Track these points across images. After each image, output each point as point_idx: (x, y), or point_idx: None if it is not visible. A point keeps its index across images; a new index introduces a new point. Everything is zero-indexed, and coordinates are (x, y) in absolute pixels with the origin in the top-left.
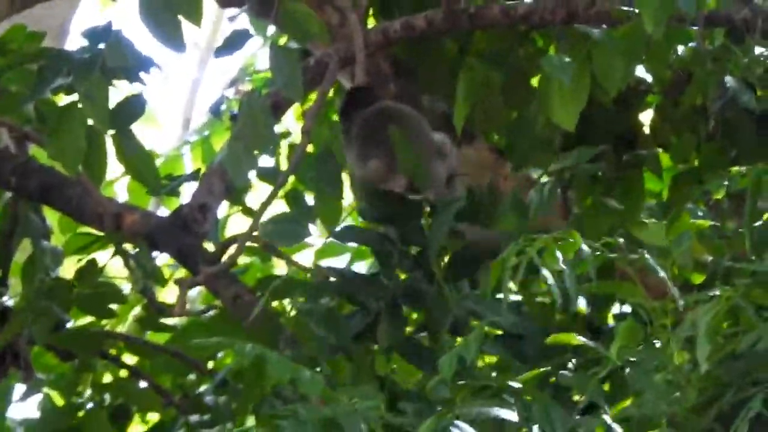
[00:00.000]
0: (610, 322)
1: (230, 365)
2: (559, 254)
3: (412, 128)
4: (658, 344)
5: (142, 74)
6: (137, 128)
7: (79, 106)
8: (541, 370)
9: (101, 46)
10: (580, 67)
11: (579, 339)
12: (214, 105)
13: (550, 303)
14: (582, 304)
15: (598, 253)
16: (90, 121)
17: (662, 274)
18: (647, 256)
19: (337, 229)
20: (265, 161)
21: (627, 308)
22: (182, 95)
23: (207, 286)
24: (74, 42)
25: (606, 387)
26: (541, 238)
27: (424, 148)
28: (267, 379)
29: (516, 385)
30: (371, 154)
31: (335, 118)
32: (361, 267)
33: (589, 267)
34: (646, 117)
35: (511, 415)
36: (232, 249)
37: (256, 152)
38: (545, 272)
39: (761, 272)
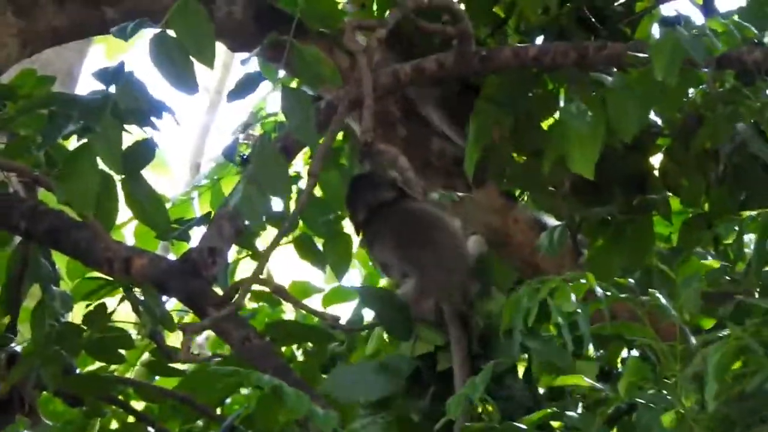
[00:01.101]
0: (619, 366)
1: (239, 410)
2: (571, 294)
3: (448, 245)
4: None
5: (153, 119)
6: (147, 173)
7: (91, 147)
8: (547, 411)
9: (112, 88)
10: (595, 113)
11: (587, 381)
12: (227, 149)
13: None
14: (590, 347)
15: (609, 294)
16: (101, 165)
17: (673, 313)
18: (658, 296)
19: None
20: (274, 205)
21: (635, 353)
22: (191, 140)
23: (215, 330)
24: (83, 87)
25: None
26: (553, 279)
27: (461, 263)
28: (276, 422)
29: (522, 426)
30: (409, 270)
31: (344, 162)
32: (368, 314)
33: (603, 307)
34: (656, 160)
35: None
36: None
37: (270, 196)
38: (557, 313)
39: None
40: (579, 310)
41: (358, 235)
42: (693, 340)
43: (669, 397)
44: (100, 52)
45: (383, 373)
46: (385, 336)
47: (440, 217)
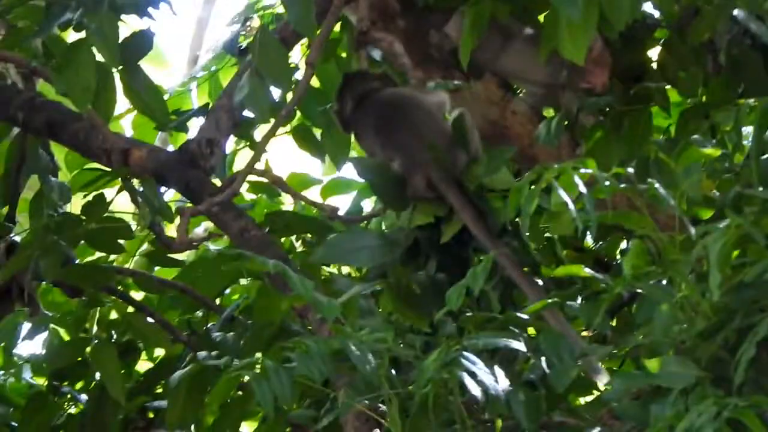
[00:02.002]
0: (618, 258)
1: (238, 300)
2: (577, 179)
3: (425, 121)
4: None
5: (150, 9)
6: (145, 66)
7: (88, 41)
8: (548, 301)
9: None
10: (588, 1)
11: (587, 271)
12: (227, 41)
13: (557, 238)
14: (588, 239)
15: (609, 183)
16: (99, 57)
17: (672, 202)
18: (657, 186)
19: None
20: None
21: None
22: (189, 34)
23: (213, 219)
24: None
25: (613, 323)
26: (557, 166)
27: (441, 137)
28: (275, 313)
29: (523, 316)
30: (392, 155)
31: (342, 54)
32: (367, 204)
33: (605, 195)
34: (654, 53)
35: (518, 345)
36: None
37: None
38: (564, 195)
39: None
40: (585, 194)
41: (344, 129)
42: (692, 230)
43: (669, 287)
44: None
45: (381, 241)
46: (383, 226)
47: (415, 97)
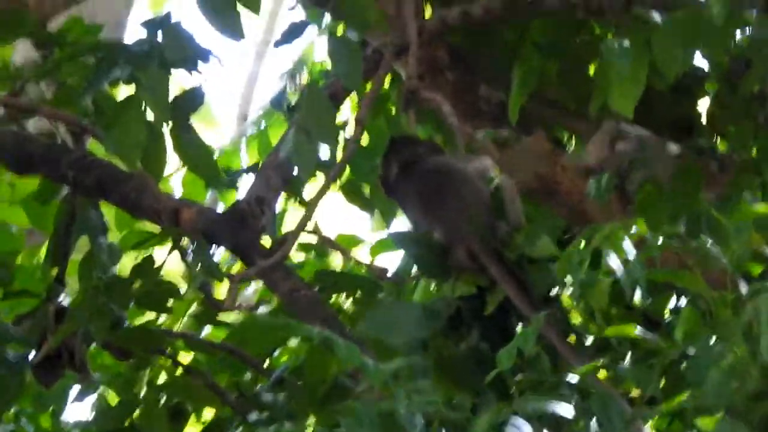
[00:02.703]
0: (667, 316)
1: (287, 362)
2: (627, 241)
3: (467, 192)
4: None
5: (200, 66)
6: (195, 124)
7: (138, 97)
8: (599, 362)
9: (159, 37)
10: (638, 52)
11: (637, 331)
12: (276, 97)
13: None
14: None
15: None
16: (149, 115)
17: (724, 260)
18: (709, 243)
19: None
20: (322, 153)
21: (683, 302)
22: (239, 92)
23: (263, 280)
24: (130, 37)
25: (663, 383)
26: (605, 227)
27: (483, 208)
28: (326, 373)
29: (573, 377)
30: (434, 225)
31: (391, 109)
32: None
33: (654, 254)
34: (704, 105)
35: (566, 410)
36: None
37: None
38: (612, 258)
39: None
40: (632, 256)
41: (387, 195)
42: (743, 287)
43: (720, 347)
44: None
45: (423, 313)
46: (432, 287)
47: (459, 166)
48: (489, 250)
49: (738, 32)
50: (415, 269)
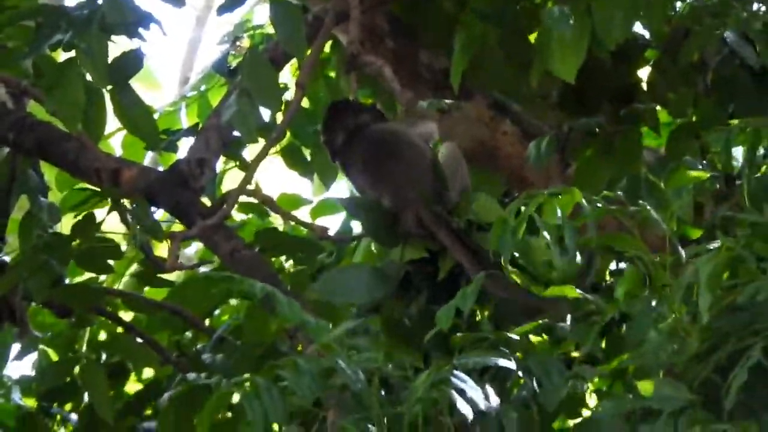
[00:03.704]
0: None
1: (228, 321)
2: (558, 209)
3: (413, 159)
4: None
5: (141, 30)
6: (136, 87)
7: (78, 61)
8: (539, 321)
9: (100, 1)
10: (579, 20)
11: (577, 292)
12: (216, 61)
13: (546, 261)
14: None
15: (599, 206)
16: (89, 77)
17: (663, 225)
18: (648, 207)
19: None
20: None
21: (623, 266)
22: (181, 55)
23: (203, 241)
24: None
25: (603, 344)
26: (540, 195)
27: (429, 174)
28: (265, 334)
29: (513, 336)
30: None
31: (331, 74)
32: (357, 225)
33: (589, 221)
34: (644, 73)
35: (509, 364)
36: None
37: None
38: (543, 227)
39: (761, 223)
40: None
41: (333, 161)
42: (682, 251)
43: (659, 309)
44: None
45: (374, 276)
46: (373, 247)
47: (404, 132)
48: (436, 215)
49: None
50: (356, 230)
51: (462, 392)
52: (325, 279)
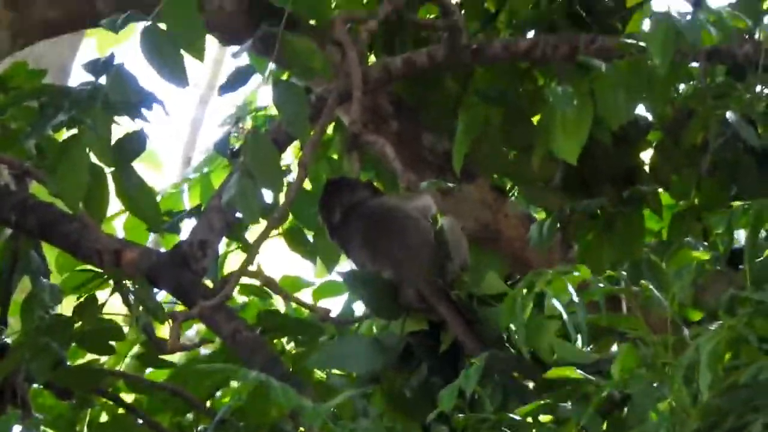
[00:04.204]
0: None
1: (230, 403)
2: (570, 286)
3: (412, 233)
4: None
5: (144, 111)
6: (138, 168)
7: (82, 139)
8: (540, 402)
9: (103, 80)
10: (582, 100)
11: (578, 373)
12: (218, 142)
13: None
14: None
15: (602, 285)
16: (92, 157)
17: (665, 304)
18: (651, 287)
19: (341, 271)
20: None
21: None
22: (183, 135)
23: (205, 322)
24: (75, 81)
25: (605, 426)
26: (548, 272)
27: (428, 248)
28: (267, 415)
29: (515, 417)
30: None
31: (334, 156)
32: (359, 307)
33: (598, 298)
34: (647, 155)
35: None
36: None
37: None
38: (556, 303)
39: (764, 302)
40: (576, 300)
41: (331, 238)
42: (685, 331)
43: (660, 389)
44: (92, 47)
45: (374, 347)
46: (374, 328)
47: (402, 207)
48: (437, 289)
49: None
50: (358, 312)
51: None
52: (324, 349)
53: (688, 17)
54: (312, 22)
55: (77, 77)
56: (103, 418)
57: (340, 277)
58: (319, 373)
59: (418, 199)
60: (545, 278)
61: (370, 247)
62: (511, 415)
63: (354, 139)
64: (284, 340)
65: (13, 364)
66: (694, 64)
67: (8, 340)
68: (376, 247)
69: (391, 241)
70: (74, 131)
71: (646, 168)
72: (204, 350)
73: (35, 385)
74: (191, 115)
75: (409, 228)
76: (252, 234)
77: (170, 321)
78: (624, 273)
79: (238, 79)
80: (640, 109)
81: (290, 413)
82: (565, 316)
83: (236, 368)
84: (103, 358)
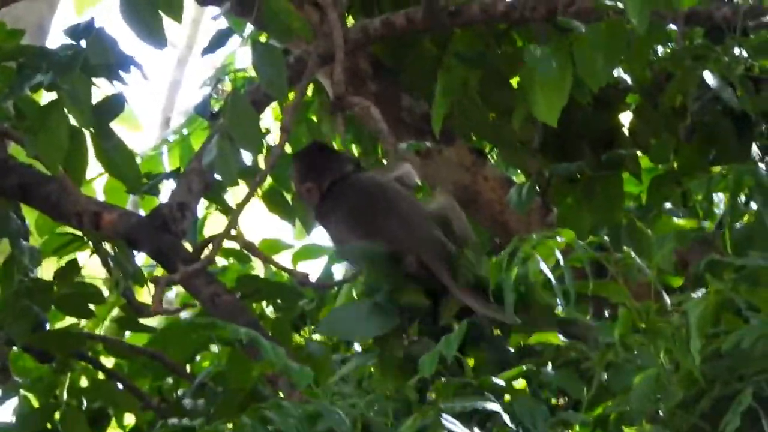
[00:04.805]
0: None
1: (209, 367)
2: (556, 251)
3: (405, 206)
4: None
5: (122, 73)
6: (118, 128)
7: (61, 102)
8: (523, 367)
9: (83, 43)
10: (562, 62)
11: (560, 338)
12: (198, 104)
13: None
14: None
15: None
16: (71, 120)
17: (648, 272)
18: (633, 255)
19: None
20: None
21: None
22: (161, 96)
23: (185, 286)
24: (53, 42)
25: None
26: (534, 237)
27: (424, 220)
28: (246, 380)
29: (499, 382)
30: (374, 240)
31: (313, 117)
32: (338, 269)
33: (584, 263)
34: (626, 118)
35: (496, 407)
36: (210, 248)
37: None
38: (543, 266)
39: (747, 268)
40: (563, 264)
41: (312, 207)
42: (666, 298)
43: (641, 357)
44: (70, 6)
45: (378, 311)
46: (354, 293)
47: (389, 182)
48: (439, 258)
49: (660, 46)
50: (337, 276)
51: None
52: (330, 317)
53: None
54: None
55: (55, 36)
56: (83, 382)
57: (337, 253)
58: (298, 339)
59: (398, 169)
60: (530, 243)
61: (360, 224)
62: (496, 380)
63: (338, 100)
64: (263, 304)
65: None
66: (673, 27)
67: None
68: (368, 224)
69: (386, 218)
70: (53, 95)
71: (625, 131)
72: (184, 314)
73: (15, 348)
74: (170, 76)
75: (403, 204)
76: (232, 195)
77: (151, 285)
78: (606, 238)
79: (217, 41)
80: (619, 72)
81: (270, 378)
82: (552, 280)
83: (224, 324)
84: (83, 322)
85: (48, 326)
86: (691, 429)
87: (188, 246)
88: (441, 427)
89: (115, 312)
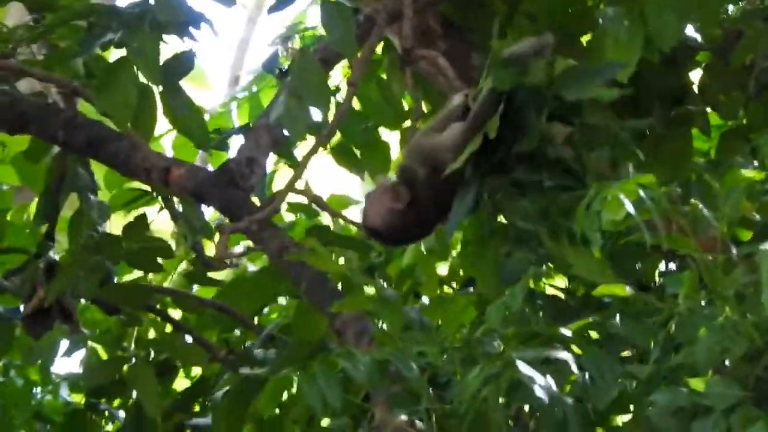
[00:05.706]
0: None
1: (277, 320)
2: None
3: None
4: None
5: (192, 30)
6: (187, 87)
7: (130, 60)
8: (590, 319)
9: (152, 0)
10: (633, 21)
11: (628, 290)
12: (267, 61)
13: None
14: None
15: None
16: (140, 77)
17: (715, 225)
18: (701, 207)
19: None
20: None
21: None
22: (231, 54)
23: (252, 238)
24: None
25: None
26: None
27: None
28: (314, 333)
29: (567, 332)
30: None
31: (383, 75)
32: None
33: (654, 214)
34: (695, 76)
35: (567, 357)
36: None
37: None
38: (627, 203)
39: None
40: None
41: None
42: (734, 251)
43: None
44: None
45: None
46: (423, 248)
47: None
48: None
49: (731, 5)
50: None
51: (531, 379)
52: None
53: None
54: None
55: None
56: (151, 334)
57: None
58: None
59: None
60: (610, 191)
61: None
62: (563, 330)
63: (406, 53)
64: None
65: (63, 281)
66: None
67: (56, 257)
68: None
69: None
70: (122, 52)
71: (695, 88)
72: (251, 267)
73: (83, 300)
74: (239, 34)
75: None
76: (300, 152)
77: (218, 233)
78: (678, 190)
79: None
80: (689, 30)
81: (337, 331)
82: (636, 216)
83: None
84: (151, 275)
85: (116, 280)
86: (757, 380)
87: (257, 201)
88: (515, 373)
89: (183, 266)
